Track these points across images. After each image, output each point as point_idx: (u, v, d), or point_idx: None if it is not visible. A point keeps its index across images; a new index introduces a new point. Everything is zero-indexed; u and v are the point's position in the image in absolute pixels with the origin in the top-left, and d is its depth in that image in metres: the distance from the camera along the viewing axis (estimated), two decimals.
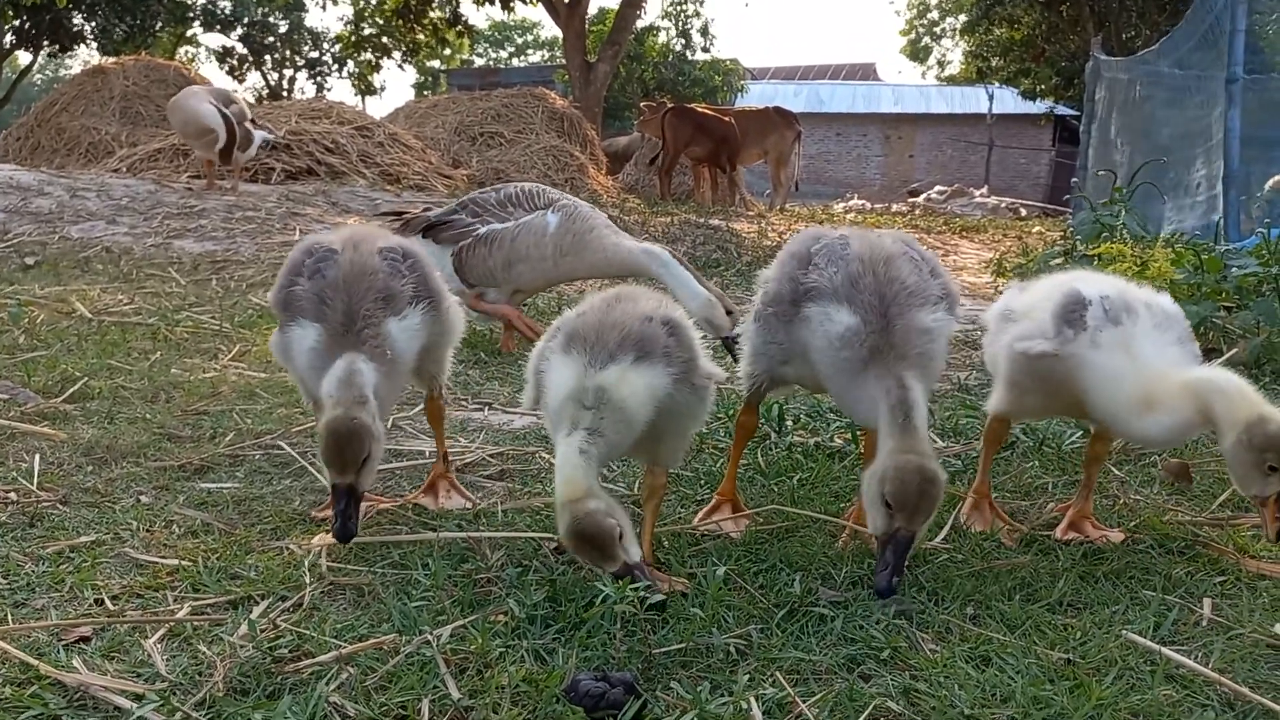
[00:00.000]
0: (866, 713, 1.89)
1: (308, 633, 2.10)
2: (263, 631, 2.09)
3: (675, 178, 18.51)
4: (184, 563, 2.48)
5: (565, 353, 2.28)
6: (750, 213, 16.37)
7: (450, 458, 3.13)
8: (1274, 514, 2.35)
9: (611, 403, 2.18)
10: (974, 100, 39.14)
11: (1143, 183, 7.68)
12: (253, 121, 11.24)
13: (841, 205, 24.42)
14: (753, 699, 1.85)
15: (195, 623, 2.17)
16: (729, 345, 4.51)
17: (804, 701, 1.90)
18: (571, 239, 4.98)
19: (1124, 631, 2.20)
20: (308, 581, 2.35)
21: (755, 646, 2.11)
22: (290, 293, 2.59)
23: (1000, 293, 3.71)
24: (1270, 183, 9.60)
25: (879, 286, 2.43)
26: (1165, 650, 2.10)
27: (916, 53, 48.51)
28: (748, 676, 1.91)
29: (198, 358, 4.81)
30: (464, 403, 4.29)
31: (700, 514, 2.87)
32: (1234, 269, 5.40)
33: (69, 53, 34.24)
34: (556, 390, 2.25)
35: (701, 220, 13.18)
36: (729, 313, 4.55)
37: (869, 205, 25.50)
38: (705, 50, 33.85)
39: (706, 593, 2.23)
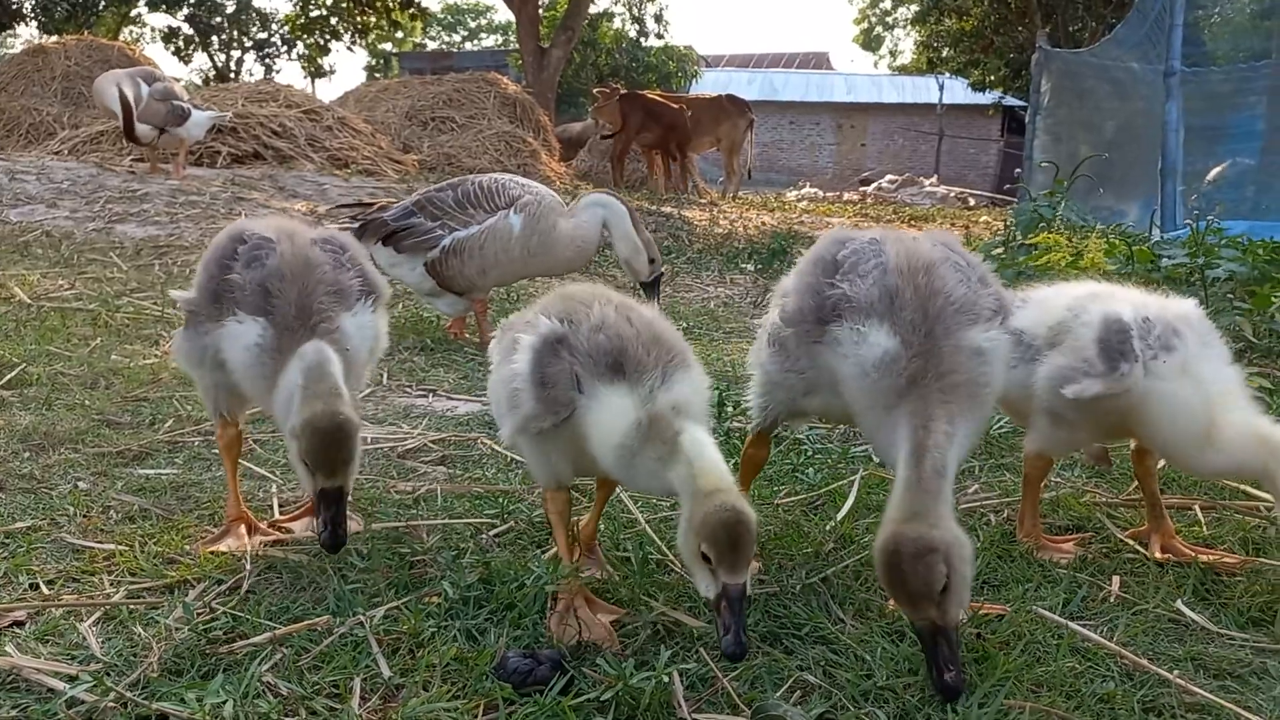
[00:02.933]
0: (786, 685, 1.97)
1: (243, 615, 2.13)
2: (198, 614, 2.12)
3: (630, 165, 18.54)
4: (121, 548, 2.50)
5: (618, 380, 1.99)
6: (703, 200, 16.45)
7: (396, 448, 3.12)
8: None
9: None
10: (925, 90, 39.59)
11: (1082, 175, 7.86)
12: (194, 103, 11.08)
13: (794, 193, 24.62)
14: (675, 673, 1.92)
15: (131, 606, 2.19)
16: (645, 289, 5.07)
17: (725, 675, 1.98)
18: (537, 240, 4.98)
19: (1034, 607, 2.31)
20: (246, 566, 2.38)
21: (681, 624, 2.18)
22: (227, 281, 2.34)
23: None
24: (1211, 174, 9.87)
25: (921, 301, 2.08)
26: (1071, 624, 2.21)
27: (869, 42, 48.88)
28: (670, 652, 1.97)
29: (138, 344, 4.78)
30: (408, 389, 4.31)
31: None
32: (1165, 260, 5.57)
33: (9, 31, 33.35)
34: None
35: (654, 208, 13.24)
36: (651, 260, 4.99)
37: (821, 193, 25.75)
38: (659, 37, 33.91)
39: (636, 572, 2.29)
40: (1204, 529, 2.88)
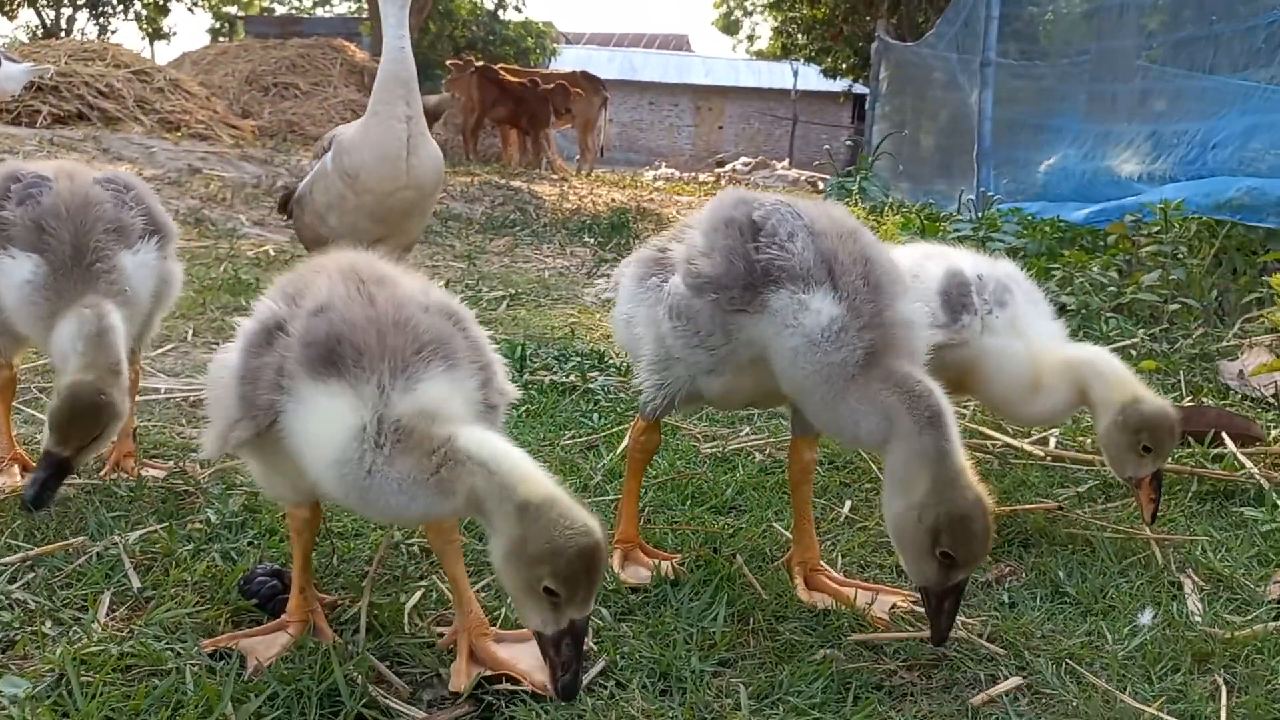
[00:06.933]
0: None
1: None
2: None
3: (485, 140, 18.47)
4: None
5: (331, 377, 1.57)
6: (556, 176, 16.55)
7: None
8: (1149, 495, 2.35)
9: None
10: (781, 76, 40.55)
11: (884, 153, 8.37)
12: (8, 56, 10.52)
13: (651, 173, 24.94)
14: (423, 585, 2.07)
15: None
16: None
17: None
18: (349, 160, 4.52)
19: (772, 524, 2.56)
20: None
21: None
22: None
23: None
24: (1044, 166, 10.60)
25: (859, 268, 1.90)
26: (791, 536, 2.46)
27: (728, 26, 49.69)
28: (421, 573, 2.12)
29: None
30: (214, 345, 4.30)
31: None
32: (953, 233, 6.04)
33: None
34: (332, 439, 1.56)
35: (503, 182, 13.29)
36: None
37: (678, 174, 26.16)
38: (518, 10, 33.61)
39: None
40: None
